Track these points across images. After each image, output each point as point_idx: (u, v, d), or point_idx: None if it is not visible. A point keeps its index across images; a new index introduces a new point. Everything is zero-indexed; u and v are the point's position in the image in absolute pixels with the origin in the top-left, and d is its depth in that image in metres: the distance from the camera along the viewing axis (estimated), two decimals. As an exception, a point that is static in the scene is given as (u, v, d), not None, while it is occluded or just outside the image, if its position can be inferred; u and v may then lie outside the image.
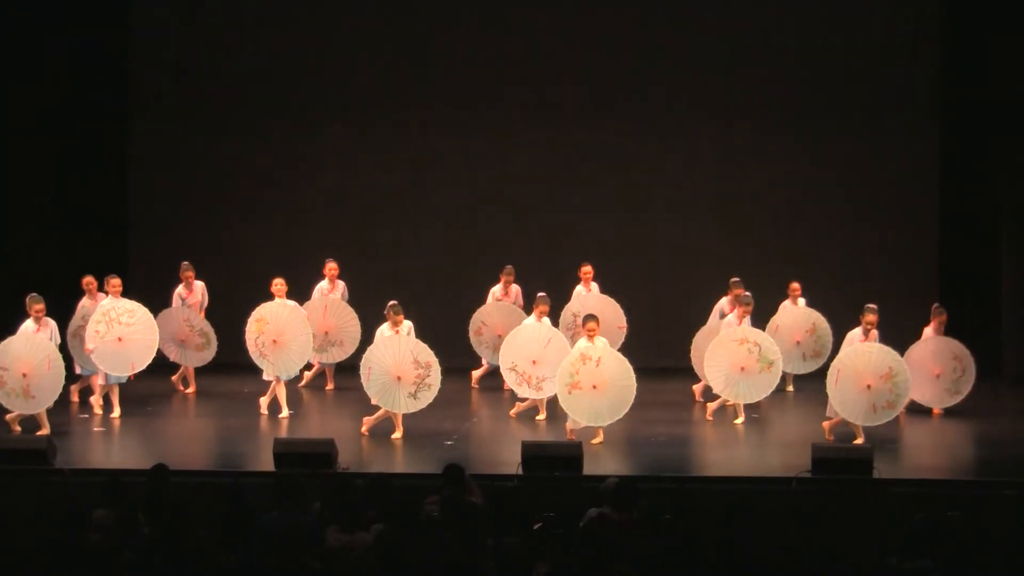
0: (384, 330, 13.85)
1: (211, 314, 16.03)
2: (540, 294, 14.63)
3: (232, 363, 16.08)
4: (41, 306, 13.84)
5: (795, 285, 15.81)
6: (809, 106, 17.92)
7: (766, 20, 17.97)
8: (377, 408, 13.65)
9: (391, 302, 13.97)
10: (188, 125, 18.31)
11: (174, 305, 15.92)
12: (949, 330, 14.75)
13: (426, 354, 13.47)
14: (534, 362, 14.06)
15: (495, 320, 15.93)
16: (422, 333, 13.99)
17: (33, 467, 11.68)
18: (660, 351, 16.42)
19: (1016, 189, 17.22)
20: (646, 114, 18.09)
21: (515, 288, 16.23)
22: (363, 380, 13.52)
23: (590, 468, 11.74)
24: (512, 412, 14.48)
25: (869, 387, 12.95)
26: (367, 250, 17.97)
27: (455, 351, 15.52)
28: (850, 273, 17.66)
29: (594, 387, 13.05)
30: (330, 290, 16.12)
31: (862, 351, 13.11)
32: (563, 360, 13.32)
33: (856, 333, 13.46)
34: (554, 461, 11.67)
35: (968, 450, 13.49)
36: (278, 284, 14.67)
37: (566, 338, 14.47)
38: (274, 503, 9.46)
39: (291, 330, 14.42)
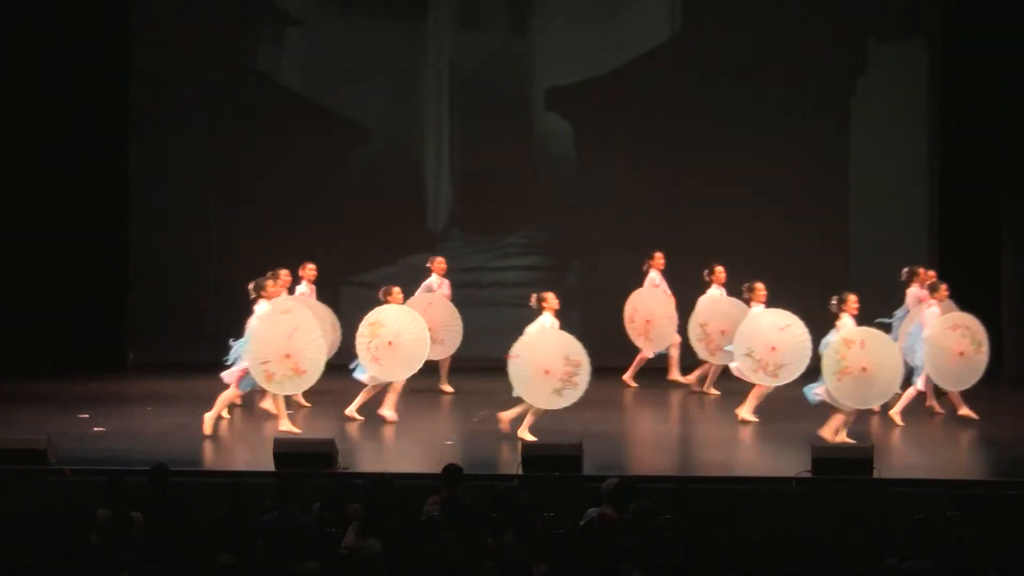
0: (544, 320, 13.39)
1: (216, 313, 15.99)
2: (757, 283, 14.59)
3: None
4: (275, 284, 13.82)
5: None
6: (805, 104, 17.94)
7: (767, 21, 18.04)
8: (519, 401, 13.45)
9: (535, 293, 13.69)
10: (190, 124, 18.32)
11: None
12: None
13: (577, 352, 13.19)
14: (773, 348, 13.92)
15: (647, 306, 15.88)
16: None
17: (33, 467, 11.67)
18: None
19: (1016, 188, 17.22)
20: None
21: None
22: (509, 368, 13.22)
23: (590, 468, 11.74)
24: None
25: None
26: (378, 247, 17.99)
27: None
28: (848, 273, 17.67)
29: (863, 369, 12.91)
30: (439, 286, 15.95)
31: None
32: (802, 347, 13.51)
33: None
34: (554, 461, 11.67)
35: (968, 450, 13.49)
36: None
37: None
38: (274, 503, 9.47)
39: (409, 332, 14.13)
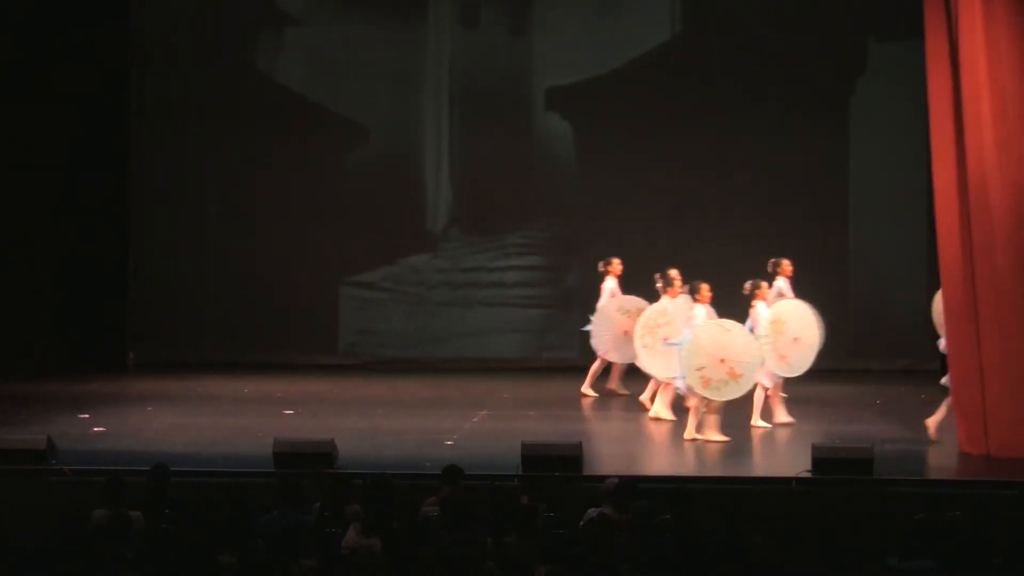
0: None
1: (222, 314, 15.91)
2: None
3: (232, 363, 16.08)
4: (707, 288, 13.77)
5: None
6: (805, 104, 17.95)
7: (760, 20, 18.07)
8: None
9: None
10: (189, 124, 18.31)
11: (604, 300, 15.56)
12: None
13: None
14: None
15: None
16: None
17: (33, 467, 11.67)
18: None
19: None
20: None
21: None
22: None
23: (590, 468, 11.74)
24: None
25: None
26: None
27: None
28: (848, 272, 17.68)
29: None
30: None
31: None
32: None
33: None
34: (554, 461, 11.66)
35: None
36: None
37: None
38: (274, 503, 9.47)
39: (807, 326, 14.15)
